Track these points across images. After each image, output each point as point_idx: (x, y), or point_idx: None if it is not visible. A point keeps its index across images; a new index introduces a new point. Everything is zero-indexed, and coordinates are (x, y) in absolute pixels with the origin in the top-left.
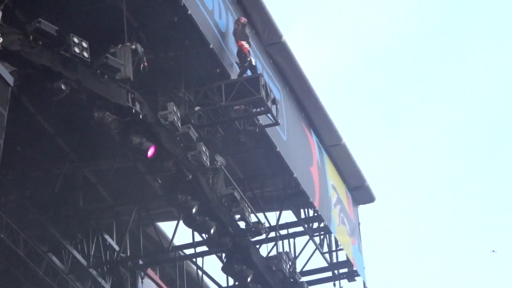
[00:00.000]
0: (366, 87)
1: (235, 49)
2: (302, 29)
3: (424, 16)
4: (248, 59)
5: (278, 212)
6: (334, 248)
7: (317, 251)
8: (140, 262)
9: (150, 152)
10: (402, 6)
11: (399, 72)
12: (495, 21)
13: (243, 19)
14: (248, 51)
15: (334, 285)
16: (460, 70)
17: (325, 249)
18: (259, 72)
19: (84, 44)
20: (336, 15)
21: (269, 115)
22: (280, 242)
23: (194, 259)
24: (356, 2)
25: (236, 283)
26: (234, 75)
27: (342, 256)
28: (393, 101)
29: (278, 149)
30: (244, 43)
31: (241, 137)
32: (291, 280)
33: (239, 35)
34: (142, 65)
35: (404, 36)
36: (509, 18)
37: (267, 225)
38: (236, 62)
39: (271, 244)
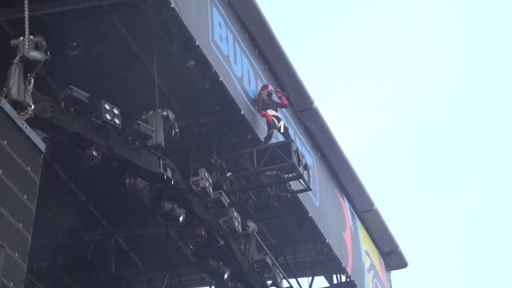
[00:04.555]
0: (399, 155)
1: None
2: (343, 101)
3: (462, 87)
4: (278, 126)
5: (310, 278)
6: None
7: None
8: None
9: None
10: (439, 78)
11: (433, 141)
12: None
13: (270, 87)
14: (273, 119)
15: None
16: (498, 141)
17: None
18: (291, 136)
19: (116, 111)
20: (376, 87)
21: (301, 180)
22: None
23: None
24: (392, 74)
25: None
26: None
27: None
28: (426, 168)
29: (310, 214)
30: (268, 111)
31: (273, 203)
32: None
33: (262, 105)
34: (173, 132)
35: (441, 107)
36: None
37: None
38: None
39: None
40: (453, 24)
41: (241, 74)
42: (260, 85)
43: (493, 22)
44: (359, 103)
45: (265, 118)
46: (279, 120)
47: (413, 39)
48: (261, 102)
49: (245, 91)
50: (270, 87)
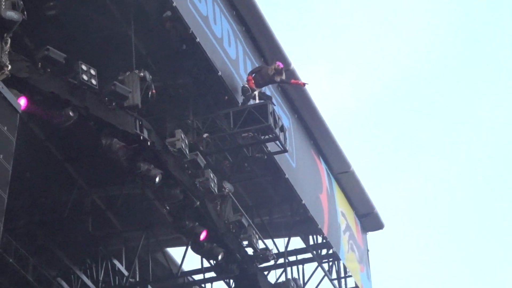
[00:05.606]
0: (377, 117)
1: (245, 77)
2: (321, 63)
3: (443, 51)
4: (252, 94)
5: (286, 239)
6: (342, 275)
7: (325, 277)
8: (149, 287)
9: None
10: (420, 42)
11: (412, 104)
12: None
13: (281, 66)
14: (253, 86)
15: None
16: (477, 106)
17: (334, 275)
18: (270, 98)
19: (92, 71)
20: (354, 51)
21: (277, 142)
22: (288, 269)
23: (202, 285)
24: (373, 38)
25: None
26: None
27: (350, 283)
28: (403, 130)
29: (286, 176)
30: (253, 81)
31: (247, 165)
32: None
33: (257, 70)
34: (150, 92)
35: (420, 71)
36: None
37: (275, 251)
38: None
39: (279, 271)
40: None
41: (221, 35)
42: (240, 47)
43: None
44: (337, 66)
45: (246, 82)
46: (253, 90)
47: (395, 2)
48: (258, 69)
49: (225, 51)
50: (278, 63)
